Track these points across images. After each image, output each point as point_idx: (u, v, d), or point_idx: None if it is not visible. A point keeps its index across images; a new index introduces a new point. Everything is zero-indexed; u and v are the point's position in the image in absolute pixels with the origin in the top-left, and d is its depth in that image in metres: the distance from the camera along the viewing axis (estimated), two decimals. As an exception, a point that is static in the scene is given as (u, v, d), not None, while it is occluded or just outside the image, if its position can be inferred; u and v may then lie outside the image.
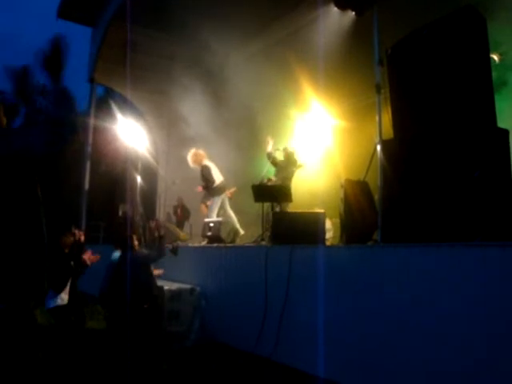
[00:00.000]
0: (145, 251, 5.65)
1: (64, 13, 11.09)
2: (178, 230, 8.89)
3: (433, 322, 3.26)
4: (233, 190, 8.99)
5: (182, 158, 11.33)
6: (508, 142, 3.78)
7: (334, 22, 6.66)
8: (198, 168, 8.12)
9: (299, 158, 7.90)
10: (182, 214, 10.21)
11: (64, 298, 5.63)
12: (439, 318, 3.23)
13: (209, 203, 8.73)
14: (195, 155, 8.18)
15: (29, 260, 2.25)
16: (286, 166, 7.70)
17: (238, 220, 7.86)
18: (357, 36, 6.44)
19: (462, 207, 3.58)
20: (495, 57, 6.16)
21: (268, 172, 8.02)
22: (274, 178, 7.79)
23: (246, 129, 10.87)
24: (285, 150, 7.91)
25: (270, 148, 7.88)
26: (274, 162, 7.84)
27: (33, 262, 2.26)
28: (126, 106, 11.54)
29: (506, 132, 3.83)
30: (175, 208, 10.45)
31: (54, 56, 27.18)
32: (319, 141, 9.04)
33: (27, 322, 2.27)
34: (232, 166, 10.10)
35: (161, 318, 5.58)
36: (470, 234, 3.39)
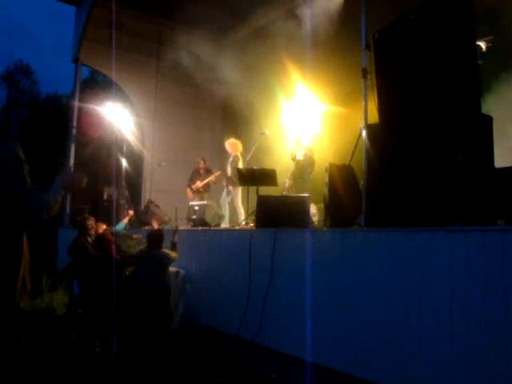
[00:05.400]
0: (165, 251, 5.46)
1: (47, -10, 10.83)
2: (164, 213, 8.86)
3: (416, 303, 3.31)
4: (218, 173, 9.00)
5: (169, 140, 11.31)
6: (491, 129, 3.81)
7: (322, 5, 6.62)
8: (231, 156, 8.29)
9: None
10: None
11: None
12: (423, 300, 3.28)
13: (193, 187, 8.75)
14: (235, 144, 8.37)
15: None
16: (306, 167, 7.62)
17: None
18: (344, 20, 6.41)
19: (445, 192, 3.61)
20: (482, 44, 6.16)
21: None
22: (288, 182, 7.64)
23: (234, 115, 10.82)
24: (309, 149, 7.82)
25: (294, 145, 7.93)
26: (295, 161, 7.77)
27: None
28: (112, 88, 11.38)
29: (489, 118, 3.86)
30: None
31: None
32: (307, 126, 9.03)
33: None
34: (218, 151, 10.08)
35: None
36: (452, 218, 3.43)
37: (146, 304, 5.20)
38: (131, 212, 8.13)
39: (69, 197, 10.83)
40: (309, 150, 7.86)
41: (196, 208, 7.20)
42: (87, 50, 10.57)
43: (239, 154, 8.28)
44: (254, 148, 7.93)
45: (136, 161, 11.46)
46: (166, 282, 5.34)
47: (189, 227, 7.39)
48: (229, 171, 8.22)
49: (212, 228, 6.62)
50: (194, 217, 7.19)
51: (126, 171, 9.90)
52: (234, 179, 7.75)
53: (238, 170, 6.54)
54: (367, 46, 4.59)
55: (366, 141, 4.29)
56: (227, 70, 8.46)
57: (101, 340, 5.21)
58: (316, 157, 7.84)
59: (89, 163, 13.31)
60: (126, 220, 7.63)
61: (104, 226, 6.22)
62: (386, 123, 4.25)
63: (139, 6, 10.25)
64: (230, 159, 8.33)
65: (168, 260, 5.35)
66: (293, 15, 7.24)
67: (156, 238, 5.45)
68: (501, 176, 3.91)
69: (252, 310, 4.74)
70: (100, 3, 9.64)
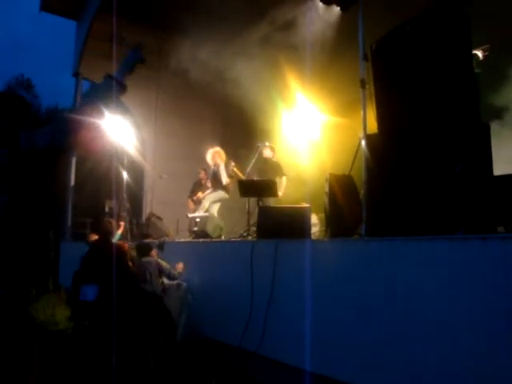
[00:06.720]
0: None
1: (47, 6, 10.96)
2: (165, 225, 8.86)
3: (419, 312, 3.31)
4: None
5: (170, 152, 11.35)
6: (489, 137, 3.84)
7: (320, 17, 6.67)
8: (220, 165, 8.18)
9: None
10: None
11: None
12: (425, 309, 3.28)
13: (194, 198, 8.76)
14: (221, 153, 8.30)
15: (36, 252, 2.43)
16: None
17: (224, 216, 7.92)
18: (343, 31, 6.46)
19: (445, 200, 3.62)
20: (479, 53, 6.20)
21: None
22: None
23: (234, 125, 10.86)
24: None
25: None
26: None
27: (39, 255, 2.44)
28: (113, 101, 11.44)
29: (487, 126, 3.88)
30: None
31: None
32: (306, 136, 9.06)
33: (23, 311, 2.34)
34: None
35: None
36: (453, 227, 3.44)
37: (146, 310, 5.39)
38: (122, 223, 8.17)
39: (70, 210, 10.87)
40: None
41: (197, 220, 7.22)
42: (88, 63, 10.67)
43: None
44: (254, 159, 7.94)
45: (137, 173, 11.47)
46: (159, 287, 5.78)
47: (190, 239, 7.40)
48: (224, 180, 8.06)
49: (213, 239, 6.62)
50: (196, 228, 7.20)
51: (127, 184, 9.91)
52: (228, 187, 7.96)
53: (239, 182, 6.55)
54: (365, 57, 4.63)
55: (366, 150, 4.31)
56: (227, 81, 8.51)
57: (106, 351, 5.19)
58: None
59: (89, 176, 13.32)
60: (119, 231, 7.67)
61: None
62: (385, 133, 4.28)
63: (140, 20, 10.36)
64: (222, 167, 8.14)
65: (157, 266, 5.82)
66: (292, 26, 7.31)
67: (143, 247, 6.15)
68: (500, 183, 3.93)
69: (254, 320, 4.73)
70: (100, 17, 9.74)
